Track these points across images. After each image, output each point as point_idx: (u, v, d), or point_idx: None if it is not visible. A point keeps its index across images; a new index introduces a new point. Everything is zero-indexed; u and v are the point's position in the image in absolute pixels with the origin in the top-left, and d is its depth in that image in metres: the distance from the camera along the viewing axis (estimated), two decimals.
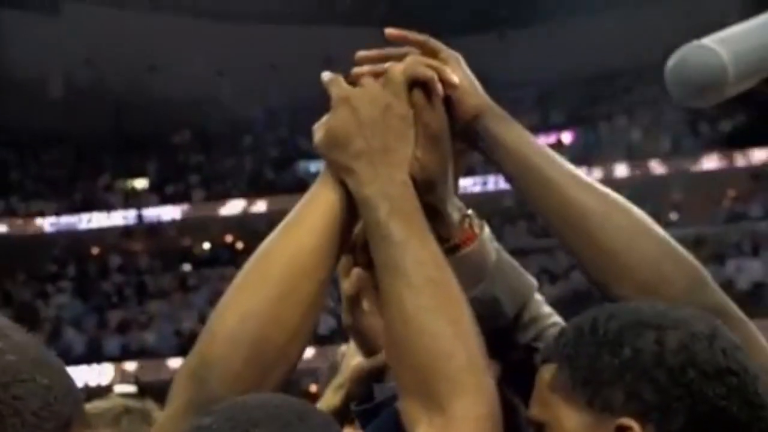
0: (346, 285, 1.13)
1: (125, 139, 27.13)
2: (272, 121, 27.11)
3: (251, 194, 24.44)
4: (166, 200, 24.74)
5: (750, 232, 21.60)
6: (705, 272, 1.06)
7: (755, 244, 21.05)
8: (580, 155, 23.99)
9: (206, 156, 26.69)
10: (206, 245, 25.62)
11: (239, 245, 25.44)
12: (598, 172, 23.05)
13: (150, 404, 1.93)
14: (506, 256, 1.20)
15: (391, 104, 0.99)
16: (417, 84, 1.02)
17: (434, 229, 1.04)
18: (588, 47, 23.16)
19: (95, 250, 25.52)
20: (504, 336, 1.14)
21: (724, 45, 0.97)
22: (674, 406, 0.82)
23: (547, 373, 0.89)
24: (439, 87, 1.03)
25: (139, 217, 24.38)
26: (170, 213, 24.35)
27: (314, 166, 26.40)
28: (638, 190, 23.07)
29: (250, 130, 27.00)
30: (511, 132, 1.13)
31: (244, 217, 24.26)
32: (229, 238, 25.54)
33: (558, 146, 24.99)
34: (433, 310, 0.89)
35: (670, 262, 1.04)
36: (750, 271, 19.93)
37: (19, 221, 24.34)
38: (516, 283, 1.18)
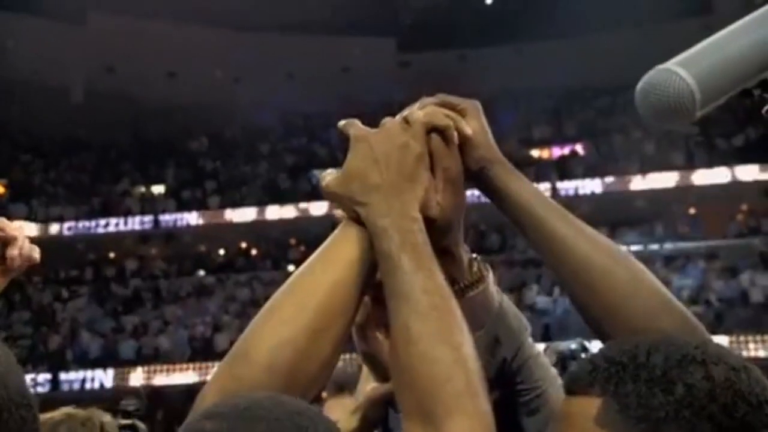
0: (358, 315, 1.14)
1: (144, 145, 27.31)
2: (288, 129, 27.19)
3: (266, 201, 24.51)
4: (182, 206, 24.85)
5: (763, 245, 21.45)
6: (696, 322, 1.06)
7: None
8: (594, 167, 23.97)
9: (222, 163, 26.80)
10: (221, 251, 25.70)
11: (254, 252, 25.53)
12: (611, 185, 23.02)
13: (96, 412, 1.93)
14: (506, 297, 1.22)
15: (407, 143, 1.02)
16: (435, 131, 1.06)
17: (446, 271, 1.05)
18: (603, 60, 23.11)
19: (112, 255, 25.65)
20: (497, 375, 1.17)
21: (689, 66, 0.97)
22: None
23: (588, 405, 0.88)
24: (455, 135, 1.06)
25: (156, 222, 24.48)
26: (187, 219, 24.44)
27: (330, 173, 26.46)
28: (652, 202, 23.06)
29: (266, 138, 27.10)
30: (517, 184, 1.15)
31: (259, 224, 24.32)
32: (243, 245, 25.62)
33: (572, 157, 24.95)
34: (436, 336, 0.91)
35: (667, 315, 1.04)
36: (763, 284, 19.82)
37: (37, 227, 24.50)
38: (515, 325, 1.20)
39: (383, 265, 0.98)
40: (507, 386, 1.19)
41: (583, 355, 3.62)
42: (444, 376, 0.89)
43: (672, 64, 0.98)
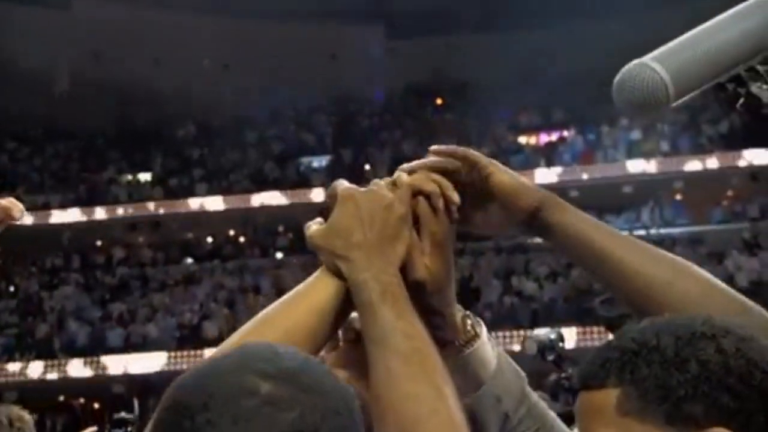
0: (330, 359, 1.18)
1: (130, 133, 27.16)
2: (276, 117, 27.10)
3: (254, 189, 24.46)
4: (169, 194, 24.76)
5: (748, 231, 21.62)
6: (762, 314, 1.08)
7: (754, 243, 21.07)
8: (581, 153, 24.04)
9: (210, 150, 26.71)
10: (209, 239, 25.66)
11: (242, 239, 25.50)
12: (598, 171, 23.10)
13: (14, 409, 1.94)
14: (501, 352, 1.22)
15: (392, 205, 1.05)
16: (422, 195, 1.09)
17: (438, 333, 1.09)
18: (591, 50, 23.14)
19: (99, 243, 25.56)
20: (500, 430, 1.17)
21: (664, 60, 1.01)
22: (752, 407, 0.83)
23: (605, 397, 0.89)
24: (441, 201, 1.09)
25: (143, 210, 24.40)
26: (174, 207, 24.36)
27: (316, 161, 26.48)
28: (638, 188, 23.15)
29: (253, 126, 27.01)
30: (571, 218, 1.16)
31: (247, 212, 24.28)
32: (231, 232, 25.58)
33: (560, 144, 25.02)
34: (419, 376, 0.93)
35: (734, 313, 1.06)
36: (749, 268, 19.97)
37: (25, 213, 24.33)
38: (514, 379, 1.20)
39: (363, 315, 1.01)
40: None
41: (560, 344, 3.66)
42: (428, 411, 0.90)
43: (648, 58, 1.02)
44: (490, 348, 1.18)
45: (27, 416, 2.80)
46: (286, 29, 25.23)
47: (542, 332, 3.58)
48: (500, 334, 18.68)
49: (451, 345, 1.13)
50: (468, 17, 25.42)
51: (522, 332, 16.68)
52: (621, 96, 1.02)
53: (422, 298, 1.09)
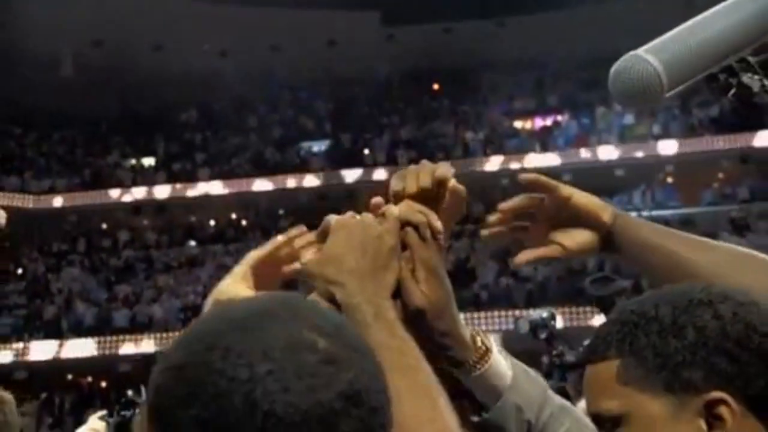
0: None
1: (134, 118, 27.08)
2: (276, 102, 27.03)
3: (255, 172, 24.44)
4: (172, 178, 24.74)
5: (738, 212, 21.63)
6: None
7: (742, 225, 21.09)
8: (575, 137, 24.00)
9: (212, 135, 26.66)
10: (212, 222, 25.67)
11: (244, 222, 25.50)
12: (591, 155, 23.07)
13: None
14: (515, 361, 1.21)
15: (383, 235, 1.05)
16: (411, 225, 1.09)
17: (450, 354, 1.11)
18: (585, 34, 23.04)
19: (104, 226, 25.56)
20: None
21: (658, 52, 1.01)
22: (750, 371, 0.83)
23: (606, 368, 0.90)
24: (428, 232, 1.09)
25: (147, 194, 24.40)
26: (176, 191, 24.37)
27: (316, 146, 26.42)
28: (630, 171, 23.13)
29: (254, 111, 26.94)
30: (642, 229, 1.19)
31: (248, 195, 24.27)
32: (233, 216, 25.57)
33: (554, 128, 24.97)
34: (414, 389, 0.92)
35: None
36: None
37: (32, 197, 24.35)
38: (532, 386, 1.19)
39: None
40: None
41: (552, 323, 3.67)
42: (426, 420, 0.89)
43: (642, 50, 1.02)
44: (503, 359, 1.17)
45: (8, 396, 2.80)
46: (284, 16, 25.07)
47: (535, 313, 3.59)
48: (496, 314, 18.75)
49: (465, 364, 1.13)
50: (464, 4, 25.27)
51: (517, 312, 16.70)
52: (616, 87, 1.03)
53: (427, 323, 1.08)
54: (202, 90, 26.08)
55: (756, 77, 1.04)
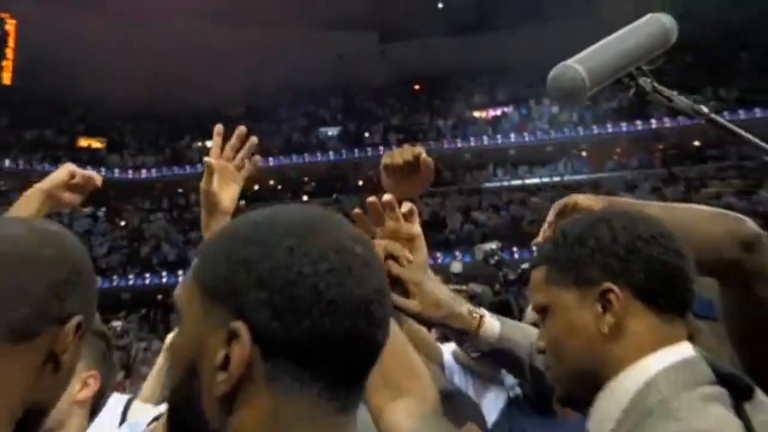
0: None
1: (197, 114, 26.84)
2: (300, 99, 26.77)
3: (285, 151, 24.44)
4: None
5: (630, 177, 21.66)
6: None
7: (633, 186, 21.14)
8: (518, 124, 23.89)
9: (255, 124, 26.43)
10: (255, 186, 25.65)
11: (279, 187, 25.53)
12: (529, 136, 23.02)
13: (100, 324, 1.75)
14: (507, 320, 1.19)
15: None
16: (393, 257, 1.05)
17: (457, 329, 1.09)
18: (525, 48, 22.71)
19: (180, 190, 25.50)
20: (529, 371, 1.17)
21: (583, 61, 1.01)
22: (633, 267, 0.82)
23: (539, 273, 0.89)
24: (405, 260, 1.05)
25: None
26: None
27: (330, 131, 26.24)
28: (556, 147, 23.10)
29: (285, 105, 26.69)
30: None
31: (282, 167, 24.26)
32: (271, 182, 25.56)
33: (502, 117, 24.82)
34: (400, 345, 0.87)
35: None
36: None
37: (129, 171, 24.30)
38: (519, 335, 1.17)
39: None
40: (537, 381, 1.16)
41: (499, 252, 3.62)
42: (401, 352, 0.85)
43: (571, 61, 1.01)
44: (495, 320, 1.15)
45: (109, 333, 2.58)
46: (307, 35, 24.69)
47: (486, 245, 3.52)
48: (460, 251, 18.85)
49: (469, 332, 1.11)
50: (438, 28, 24.97)
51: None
52: (553, 87, 1.01)
53: (429, 319, 1.06)
54: (246, 93, 25.80)
55: (648, 80, 1.04)
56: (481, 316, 1.13)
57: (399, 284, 1.05)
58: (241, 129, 1.23)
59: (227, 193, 1.18)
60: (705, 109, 1.01)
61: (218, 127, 1.21)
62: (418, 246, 1.09)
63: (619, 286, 0.81)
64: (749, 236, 0.96)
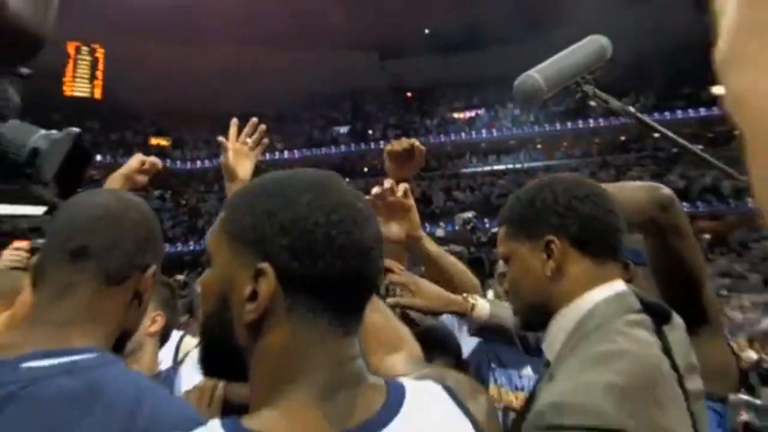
0: None
1: (241, 116, 26.44)
2: (318, 104, 26.47)
3: (308, 145, 24.21)
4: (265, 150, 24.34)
5: (573, 165, 21.49)
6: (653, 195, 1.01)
7: (575, 169, 21.01)
8: (488, 123, 23.66)
9: (283, 125, 26.22)
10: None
11: None
12: (496, 133, 22.82)
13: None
14: (493, 300, 1.18)
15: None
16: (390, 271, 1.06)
17: (456, 312, 1.08)
18: (494, 64, 22.33)
19: None
20: (516, 337, 1.14)
21: (541, 72, 0.99)
22: (569, 222, 0.80)
23: (501, 230, 0.87)
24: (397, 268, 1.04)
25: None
26: (263, 157, 24.07)
27: (342, 129, 25.99)
28: (517, 141, 22.92)
29: (307, 110, 26.41)
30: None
31: (305, 158, 24.08)
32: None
33: (476, 118, 24.59)
34: (389, 318, 0.82)
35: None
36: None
37: (188, 162, 24.17)
38: (506, 312, 1.15)
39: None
40: (522, 342, 1.15)
41: (474, 220, 3.58)
42: (388, 322, 0.80)
43: (532, 71, 1.00)
44: (484, 301, 1.14)
45: (174, 283, 2.41)
46: (323, 54, 24.32)
47: (464, 214, 3.47)
48: (443, 222, 18.84)
49: (466, 315, 1.10)
50: (426, 47, 24.57)
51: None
52: (518, 91, 0.99)
53: (434, 311, 1.06)
54: (276, 102, 25.50)
55: (590, 87, 1.02)
56: (473, 302, 1.13)
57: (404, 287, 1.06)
58: (253, 120, 1.27)
59: (242, 166, 1.19)
60: (632, 109, 1.00)
61: (234, 121, 1.23)
62: (413, 214, 1.13)
63: (558, 238, 0.80)
64: (664, 199, 0.97)
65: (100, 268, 0.67)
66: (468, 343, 1.39)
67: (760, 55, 0.18)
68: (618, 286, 0.78)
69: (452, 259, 1.30)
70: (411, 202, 1.13)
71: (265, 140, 1.26)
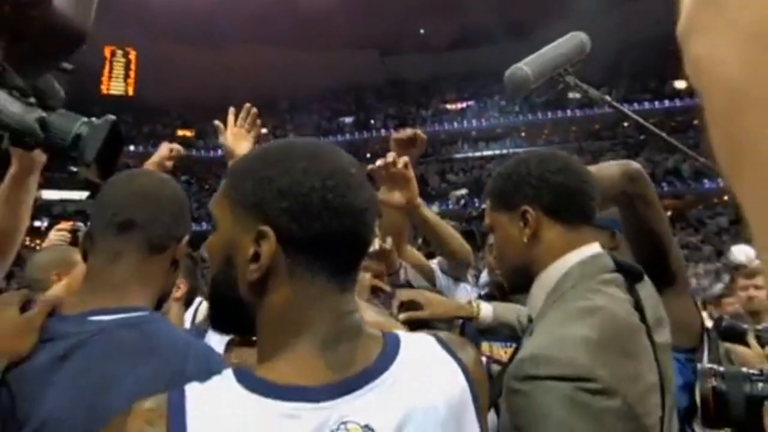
0: None
1: (257, 108, 26.14)
2: (325, 99, 26.15)
3: (317, 134, 24.05)
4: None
5: (555, 148, 21.28)
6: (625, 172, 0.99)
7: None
8: (477, 113, 23.42)
9: (295, 116, 25.97)
10: None
11: None
12: (486, 122, 22.61)
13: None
14: (495, 303, 1.16)
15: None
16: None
17: (463, 317, 1.07)
18: (487, 63, 21.93)
19: None
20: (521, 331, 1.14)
21: (528, 64, 0.98)
22: (543, 193, 0.77)
23: (486, 203, 0.85)
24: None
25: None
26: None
27: (347, 119, 25.79)
28: (504, 129, 22.72)
29: (315, 102, 26.12)
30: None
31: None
32: None
33: (467, 109, 24.33)
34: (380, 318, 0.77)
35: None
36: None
37: (210, 151, 24.06)
38: (509, 312, 1.14)
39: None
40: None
41: (467, 196, 3.52)
42: (384, 320, 0.74)
43: (521, 63, 0.98)
44: (488, 305, 1.13)
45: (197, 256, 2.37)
46: (330, 53, 23.92)
47: (458, 191, 3.42)
48: (438, 202, 18.82)
49: (472, 319, 1.10)
50: (421, 46, 24.13)
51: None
52: (508, 81, 0.97)
53: (443, 319, 1.05)
54: (289, 95, 25.19)
55: (572, 78, 1.01)
56: (478, 305, 1.13)
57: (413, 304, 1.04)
58: (247, 105, 1.28)
59: (240, 146, 1.21)
60: (608, 98, 1.01)
61: (231, 110, 1.26)
62: (412, 184, 1.18)
63: (532, 207, 0.77)
64: (632, 172, 0.97)
65: (144, 238, 0.69)
66: (460, 300, 1.38)
67: (712, 24, 0.18)
68: (593, 248, 0.76)
69: (448, 226, 1.30)
70: (410, 173, 1.16)
71: (259, 121, 1.27)
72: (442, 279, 1.49)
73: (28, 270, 1.37)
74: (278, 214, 0.48)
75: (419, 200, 1.18)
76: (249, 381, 0.45)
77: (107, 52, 22.95)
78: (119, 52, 23.20)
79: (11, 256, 0.83)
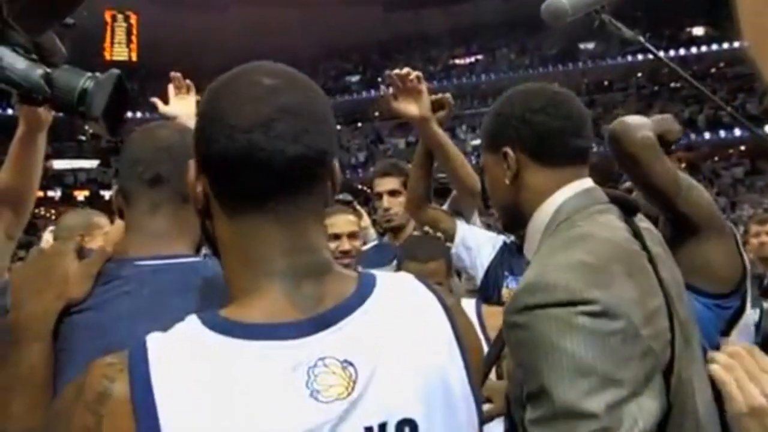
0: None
1: None
2: (333, 59, 25.37)
3: (332, 93, 23.63)
4: None
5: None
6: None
7: None
8: (486, 68, 22.60)
9: (310, 72, 25.40)
10: None
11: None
12: (494, 76, 21.93)
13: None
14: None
15: None
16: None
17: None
18: (496, 26, 20.79)
19: None
20: None
21: None
22: (525, 134, 0.75)
23: (482, 146, 0.84)
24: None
25: None
26: None
27: (354, 78, 25.17)
28: (514, 84, 21.71)
29: (325, 60, 25.43)
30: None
31: (334, 101, 23.61)
32: None
33: (475, 63, 23.54)
34: None
35: None
36: None
37: None
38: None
39: None
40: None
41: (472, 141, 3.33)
42: None
43: None
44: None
45: None
46: (334, 11, 22.93)
47: (473, 141, 3.27)
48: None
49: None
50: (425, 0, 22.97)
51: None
52: (545, 11, 0.94)
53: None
54: (294, 54, 24.41)
55: (607, 16, 0.96)
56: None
57: None
58: (173, 74, 1.29)
59: (183, 107, 1.24)
60: (641, 38, 0.99)
61: (172, 75, 1.27)
62: (424, 97, 1.26)
63: (513, 149, 0.74)
64: (611, 133, 0.97)
65: (175, 190, 0.68)
66: (486, 255, 1.34)
67: None
68: (585, 182, 0.73)
69: (457, 150, 1.31)
70: (423, 87, 1.22)
71: (189, 81, 1.27)
72: (463, 228, 1.39)
73: (56, 230, 1.39)
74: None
75: (430, 113, 1.21)
76: (214, 323, 0.42)
77: (108, 16, 22.43)
78: (120, 17, 22.66)
79: (26, 215, 0.84)
